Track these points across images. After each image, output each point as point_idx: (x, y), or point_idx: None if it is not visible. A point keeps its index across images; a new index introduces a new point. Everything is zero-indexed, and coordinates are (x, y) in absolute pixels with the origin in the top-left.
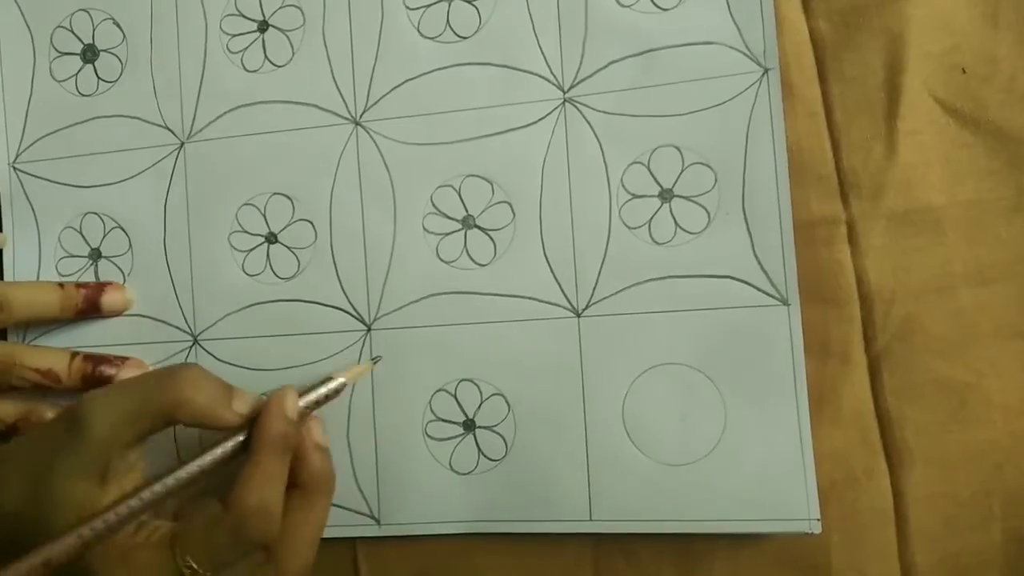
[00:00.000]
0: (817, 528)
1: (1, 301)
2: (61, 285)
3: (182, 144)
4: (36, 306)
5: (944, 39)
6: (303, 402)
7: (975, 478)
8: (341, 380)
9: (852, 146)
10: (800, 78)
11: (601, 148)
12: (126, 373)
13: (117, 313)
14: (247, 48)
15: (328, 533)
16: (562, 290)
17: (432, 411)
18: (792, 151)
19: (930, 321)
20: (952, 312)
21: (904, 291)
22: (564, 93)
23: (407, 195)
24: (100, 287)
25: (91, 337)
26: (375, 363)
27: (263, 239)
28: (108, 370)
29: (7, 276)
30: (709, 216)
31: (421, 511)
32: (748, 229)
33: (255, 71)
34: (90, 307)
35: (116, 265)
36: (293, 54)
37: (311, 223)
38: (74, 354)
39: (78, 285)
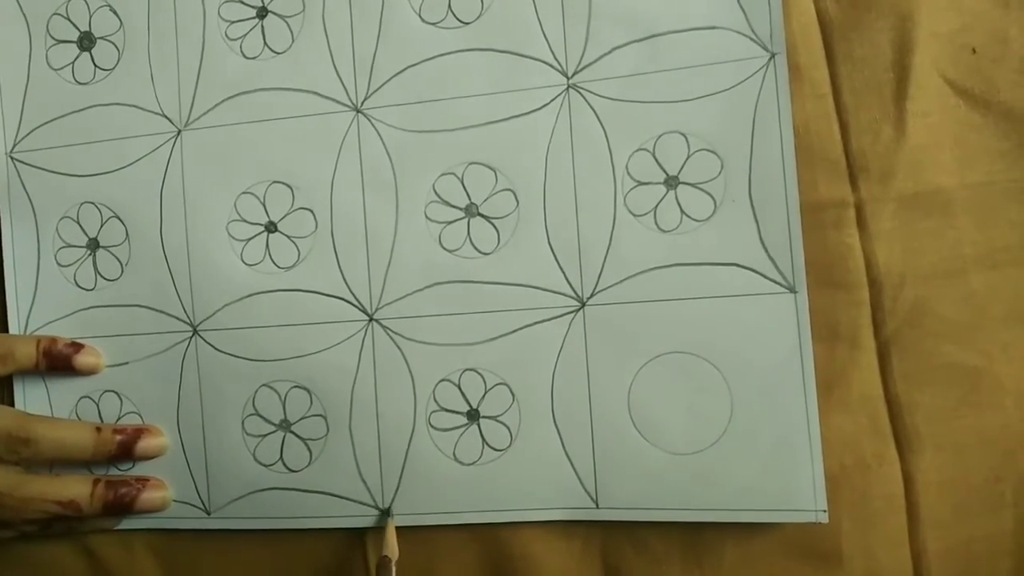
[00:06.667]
0: (824, 519)
1: (31, 438)
2: (98, 428)
3: (179, 132)
4: (67, 448)
5: (954, 19)
6: None
7: (986, 464)
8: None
9: (861, 128)
10: (808, 59)
11: (606, 135)
12: (148, 494)
13: (150, 458)
14: (246, 35)
15: (335, 524)
16: (566, 279)
17: (436, 401)
18: (800, 133)
19: (940, 305)
20: (962, 296)
21: (914, 275)
22: (568, 79)
23: (409, 183)
24: (137, 433)
25: (90, 328)
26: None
27: (262, 228)
28: (130, 493)
29: (7, 267)
30: (715, 203)
31: (426, 501)
32: (755, 216)
33: (254, 58)
34: (124, 454)
35: (114, 255)
36: (293, 40)
37: (311, 212)
38: (96, 480)
39: (115, 430)
